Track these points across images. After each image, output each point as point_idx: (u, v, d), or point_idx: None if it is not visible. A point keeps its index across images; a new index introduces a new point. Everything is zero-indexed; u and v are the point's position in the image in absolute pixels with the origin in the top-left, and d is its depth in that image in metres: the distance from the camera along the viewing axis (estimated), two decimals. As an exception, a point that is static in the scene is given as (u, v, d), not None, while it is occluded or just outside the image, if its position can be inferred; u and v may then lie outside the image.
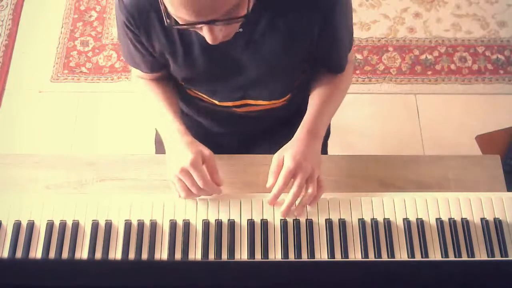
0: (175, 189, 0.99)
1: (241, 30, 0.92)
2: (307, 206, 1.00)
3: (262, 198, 1.02)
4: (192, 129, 1.10)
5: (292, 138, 1.03)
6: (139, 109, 2.16)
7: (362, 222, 1.00)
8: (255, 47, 0.99)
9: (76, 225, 0.98)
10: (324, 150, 1.39)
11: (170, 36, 0.97)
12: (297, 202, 1.00)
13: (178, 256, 0.96)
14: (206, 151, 1.00)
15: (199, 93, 1.15)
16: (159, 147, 1.36)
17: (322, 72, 1.13)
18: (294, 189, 0.97)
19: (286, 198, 0.98)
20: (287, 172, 0.97)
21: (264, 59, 1.01)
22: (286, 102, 1.19)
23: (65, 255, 0.96)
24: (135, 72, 1.14)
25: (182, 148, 0.99)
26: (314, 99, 1.09)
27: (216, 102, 1.15)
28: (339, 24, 1.00)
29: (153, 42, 0.99)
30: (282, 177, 0.97)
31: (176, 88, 1.20)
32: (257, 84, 1.09)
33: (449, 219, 1.01)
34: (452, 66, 2.24)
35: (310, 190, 0.97)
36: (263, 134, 1.35)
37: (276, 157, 1.01)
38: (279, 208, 1.00)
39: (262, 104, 1.16)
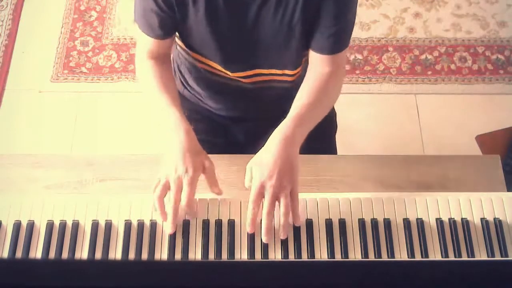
0: (155, 189, 0.97)
1: None
2: (294, 223, 0.97)
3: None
4: (200, 122, 1.09)
5: (265, 145, 0.99)
6: (139, 109, 2.16)
7: (362, 222, 1.00)
8: (276, 3, 1.00)
9: (76, 225, 0.98)
10: (332, 146, 1.37)
11: None
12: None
13: (178, 256, 0.96)
14: (207, 163, 0.99)
15: (212, 63, 1.14)
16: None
17: (316, 63, 1.11)
18: (265, 209, 0.93)
19: (262, 223, 0.94)
20: (255, 196, 0.94)
21: (282, 17, 1.02)
22: (295, 79, 1.18)
23: (65, 255, 0.96)
24: (142, 48, 1.12)
25: (185, 155, 0.97)
26: (298, 102, 1.05)
27: (229, 73, 1.15)
28: (348, 3, 1.04)
29: None
30: (252, 201, 0.94)
31: (187, 64, 1.18)
32: (271, 49, 1.09)
33: (449, 219, 1.01)
34: (452, 66, 2.24)
35: (282, 209, 0.93)
36: (269, 128, 1.34)
37: (247, 169, 0.99)
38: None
39: (274, 73, 1.15)
